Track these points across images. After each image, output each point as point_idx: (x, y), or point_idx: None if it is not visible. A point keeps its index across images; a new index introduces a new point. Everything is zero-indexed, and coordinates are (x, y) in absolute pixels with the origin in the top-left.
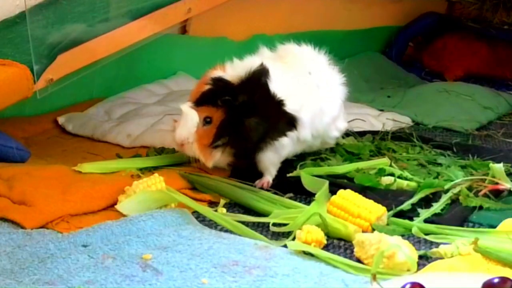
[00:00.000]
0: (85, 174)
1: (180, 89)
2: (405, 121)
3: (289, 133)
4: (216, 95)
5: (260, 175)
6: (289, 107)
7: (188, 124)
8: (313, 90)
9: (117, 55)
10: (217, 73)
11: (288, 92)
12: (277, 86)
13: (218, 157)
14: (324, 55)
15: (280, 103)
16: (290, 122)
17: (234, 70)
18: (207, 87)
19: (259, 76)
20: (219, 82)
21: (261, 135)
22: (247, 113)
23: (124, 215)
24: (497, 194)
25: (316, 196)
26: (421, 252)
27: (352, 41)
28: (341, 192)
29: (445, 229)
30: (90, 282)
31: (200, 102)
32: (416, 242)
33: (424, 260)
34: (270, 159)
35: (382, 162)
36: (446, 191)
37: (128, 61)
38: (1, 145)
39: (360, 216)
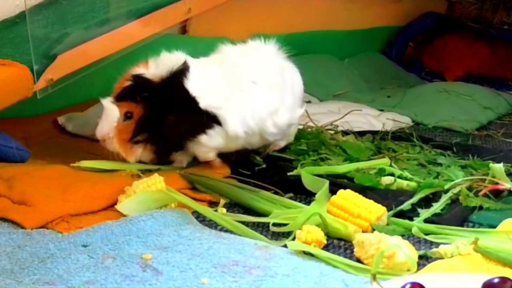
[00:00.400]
0: (85, 174)
1: None
2: (405, 121)
3: (209, 131)
4: (135, 91)
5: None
6: (207, 104)
7: (108, 119)
8: (244, 86)
9: (117, 55)
10: (139, 70)
11: (208, 90)
12: (195, 84)
13: (140, 153)
14: (273, 47)
15: (194, 101)
16: (207, 119)
17: (157, 67)
18: (128, 83)
19: (178, 75)
20: (139, 79)
21: (180, 133)
22: (166, 111)
23: (124, 215)
24: (497, 194)
25: (316, 196)
26: (421, 252)
27: (352, 41)
28: (341, 192)
29: (445, 229)
30: (90, 282)
31: (120, 97)
32: (416, 242)
33: (424, 260)
34: (202, 151)
35: (382, 162)
36: (446, 191)
37: (128, 61)
38: (1, 145)
39: (360, 216)
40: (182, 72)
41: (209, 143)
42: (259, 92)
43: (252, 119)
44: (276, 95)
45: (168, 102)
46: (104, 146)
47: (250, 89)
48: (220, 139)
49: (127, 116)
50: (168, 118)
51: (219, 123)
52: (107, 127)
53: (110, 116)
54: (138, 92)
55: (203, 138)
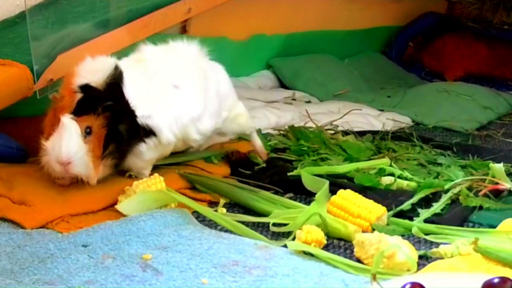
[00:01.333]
0: None
1: None
2: (405, 121)
3: (148, 140)
4: (93, 103)
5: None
6: (141, 113)
7: (73, 137)
8: (168, 91)
9: (117, 55)
10: (80, 80)
11: (141, 96)
12: (130, 90)
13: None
14: (195, 48)
15: (133, 110)
16: (145, 129)
17: (94, 75)
18: (79, 95)
19: (117, 80)
20: (89, 90)
21: (127, 142)
22: (121, 119)
23: (124, 215)
24: (497, 194)
25: (316, 196)
26: (421, 252)
27: (352, 41)
28: (341, 192)
29: (445, 229)
30: (90, 282)
31: (79, 112)
32: (416, 242)
33: (424, 260)
34: (138, 165)
35: (382, 162)
36: (446, 191)
37: None
38: (1, 145)
39: (360, 216)
40: (118, 76)
41: (146, 154)
42: (181, 97)
43: (176, 126)
44: (199, 100)
45: (123, 108)
46: (68, 170)
47: (172, 94)
48: (155, 150)
49: (86, 131)
50: (122, 127)
51: (153, 133)
52: (75, 145)
53: (73, 133)
54: (95, 103)
55: (142, 147)
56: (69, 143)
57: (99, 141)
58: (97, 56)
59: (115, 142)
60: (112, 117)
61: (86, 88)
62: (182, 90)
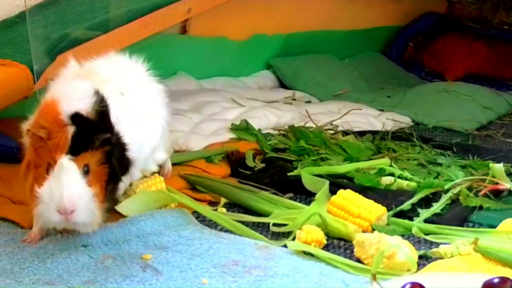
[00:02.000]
0: None
1: (180, 89)
2: (405, 121)
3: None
4: (87, 136)
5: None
6: (127, 141)
7: (75, 181)
8: (132, 116)
9: None
10: (68, 108)
11: (122, 123)
12: (114, 117)
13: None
14: (142, 66)
15: (123, 139)
16: (128, 162)
17: (79, 100)
18: (71, 129)
19: (104, 107)
20: (81, 122)
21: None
22: (113, 151)
23: (124, 216)
24: (497, 194)
25: (316, 196)
26: (421, 252)
27: (352, 41)
28: (341, 192)
29: (445, 229)
30: (90, 282)
31: (76, 150)
32: (416, 242)
33: (424, 260)
34: None
35: (382, 162)
36: (446, 191)
37: None
38: (1, 145)
39: (360, 216)
40: (103, 102)
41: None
42: (143, 124)
43: (140, 156)
44: (157, 127)
45: (117, 139)
46: (70, 219)
47: (135, 121)
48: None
49: (84, 171)
50: (113, 160)
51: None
52: (79, 190)
53: (74, 176)
54: (89, 136)
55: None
56: (71, 188)
57: (99, 181)
58: (72, 81)
59: (112, 179)
60: (108, 151)
61: (78, 119)
62: (145, 116)
